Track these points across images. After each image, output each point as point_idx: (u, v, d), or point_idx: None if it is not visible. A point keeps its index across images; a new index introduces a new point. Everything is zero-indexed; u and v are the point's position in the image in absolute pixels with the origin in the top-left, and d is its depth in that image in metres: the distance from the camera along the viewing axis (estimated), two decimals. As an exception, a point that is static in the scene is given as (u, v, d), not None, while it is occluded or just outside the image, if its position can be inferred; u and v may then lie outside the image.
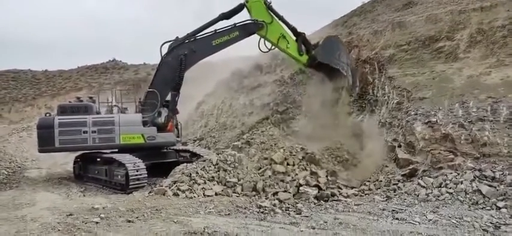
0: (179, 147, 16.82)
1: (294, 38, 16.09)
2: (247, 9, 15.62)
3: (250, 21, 15.37)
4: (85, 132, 14.20)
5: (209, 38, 15.10)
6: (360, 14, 22.52)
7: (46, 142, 14.14)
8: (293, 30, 16.07)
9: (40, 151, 14.92)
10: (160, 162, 15.32)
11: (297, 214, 9.45)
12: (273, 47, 15.98)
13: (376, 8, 21.92)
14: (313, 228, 8.15)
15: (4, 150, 21.10)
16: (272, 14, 15.58)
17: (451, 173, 10.57)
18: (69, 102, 15.47)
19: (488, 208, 9.07)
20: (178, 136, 16.47)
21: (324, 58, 16.18)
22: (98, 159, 14.92)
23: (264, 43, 15.84)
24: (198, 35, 15.18)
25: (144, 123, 14.68)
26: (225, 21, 15.54)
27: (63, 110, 14.56)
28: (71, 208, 10.33)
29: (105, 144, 14.55)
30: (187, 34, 15.05)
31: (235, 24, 15.31)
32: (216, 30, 15.22)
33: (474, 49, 14.29)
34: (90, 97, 15.46)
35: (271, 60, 20.92)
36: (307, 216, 9.19)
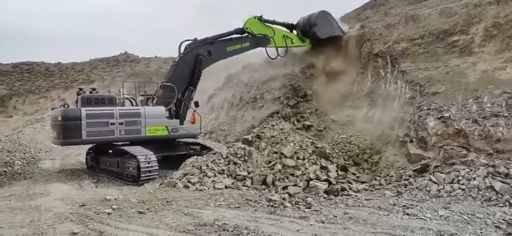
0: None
1: (290, 31, 18.90)
2: (248, 33, 17.49)
3: (260, 36, 17.61)
4: (112, 124, 13.97)
5: (225, 43, 16.83)
6: (372, 7, 22.22)
7: (72, 134, 13.52)
8: (287, 25, 18.91)
9: (63, 143, 14.42)
10: (171, 154, 15.47)
11: (307, 208, 9.43)
12: (280, 52, 18.34)
13: (389, 1, 21.59)
14: (323, 222, 8.14)
15: (18, 141, 21.45)
16: (269, 25, 17.94)
17: (464, 169, 10.44)
18: (78, 92, 15.18)
19: (501, 204, 8.94)
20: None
21: (324, 33, 18.77)
22: (110, 151, 15.09)
23: (276, 50, 18.16)
24: (215, 40, 16.56)
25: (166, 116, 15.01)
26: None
27: (88, 101, 14.06)
28: (83, 199, 10.50)
29: (131, 136, 14.42)
30: (205, 38, 16.34)
31: (247, 35, 17.40)
32: (231, 37, 17.06)
33: (489, 43, 14.01)
34: (93, 89, 15.40)
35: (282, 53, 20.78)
36: (316, 210, 9.17)
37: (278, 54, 18.22)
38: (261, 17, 17.74)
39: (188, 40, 16.05)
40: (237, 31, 17.32)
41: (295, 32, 18.98)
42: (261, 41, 17.60)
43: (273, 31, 17.92)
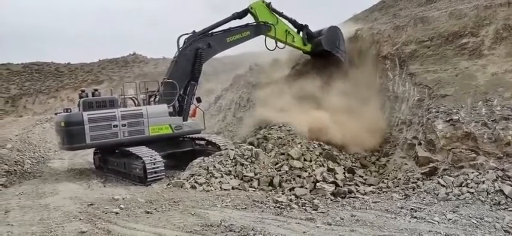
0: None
1: (296, 30, 18.21)
2: (252, 15, 16.87)
3: (261, 23, 16.83)
4: (115, 126, 13.97)
5: (224, 34, 16.23)
6: (381, 8, 22.15)
7: (76, 140, 13.59)
8: (293, 22, 18.09)
9: (68, 149, 14.50)
10: (176, 151, 15.49)
11: (314, 209, 9.43)
12: (280, 45, 17.55)
13: (398, 2, 21.51)
14: (330, 224, 8.12)
15: (28, 141, 21.70)
16: (275, 14, 17.23)
17: (473, 172, 10.33)
18: (80, 95, 15.16)
19: (511, 209, 8.85)
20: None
21: (327, 45, 18.18)
22: (116, 151, 15.15)
23: (275, 42, 17.39)
24: (214, 31, 16.06)
25: (170, 113, 14.93)
26: (237, 20, 16.85)
27: (90, 105, 14.06)
28: (91, 198, 10.61)
29: (135, 137, 14.38)
30: (204, 29, 15.86)
31: (247, 24, 16.73)
32: (230, 28, 16.38)
33: (499, 45, 13.86)
34: (96, 90, 15.43)
35: (290, 54, 20.80)
36: (323, 212, 9.15)
37: (276, 45, 17.54)
38: (269, 3, 17.15)
39: (186, 34, 15.70)
40: (234, 16, 16.62)
41: (301, 33, 18.46)
42: (262, 28, 16.85)
43: (276, 20, 17.25)
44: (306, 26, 18.44)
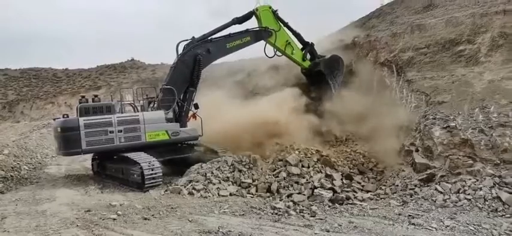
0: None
1: (299, 45, 17.89)
2: (257, 17, 16.80)
3: (262, 29, 16.69)
4: (111, 132, 13.90)
5: (224, 40, 16.09)
6: (378, 16, 22.28)
7: (72, 145, 13.52)
8: (299, 36, 17.87)
9: (65, 154, 14.48)
10: (174, 157, 15.44)
11: (311, 216, 9.43)
12: (278, 52, 17.35)
13: (395, 10, 21.65)
14: (328, 231, 8.12)
15: (25, 146, 21.61)
16: (279, 22, 17.07)
17: (470, 179, 10.38)
18: (80, 100, 15.10)
19: (508, 215, 8.88)
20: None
21: (325, 69, 17.98)
22: (115, 157, 15.10)
23: (274, 50, 17.21)
24: (213, 36, 15.95)
25: (169, 119, 14.87)
26: (237, 26, 16.68)
27: (86, 111, 13.98)
28: (89, 204, 10.56)
29: (131, 143, 14.28)
30: (203, 35, 15.77)
31: (247, 29, 16.54)
32: (230, 33, 16.21)
33: (496, 53, 13.97)
34: (96, 96, 15.36)
35: (288, 61, 20.89)
36: (321, 219, 9.15)
37: (275, 53, 17.40)
38: (276, 11, 17.05)
39: (186, 40, 15.61)
40: (234, 21, 16.48)
41: (303, 50, 18.15)
42: (263, 34, 16.68)
43: (279, 27, 17.04)
44: (312, 44, 18.18)
